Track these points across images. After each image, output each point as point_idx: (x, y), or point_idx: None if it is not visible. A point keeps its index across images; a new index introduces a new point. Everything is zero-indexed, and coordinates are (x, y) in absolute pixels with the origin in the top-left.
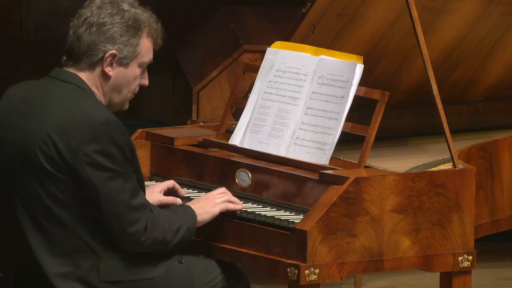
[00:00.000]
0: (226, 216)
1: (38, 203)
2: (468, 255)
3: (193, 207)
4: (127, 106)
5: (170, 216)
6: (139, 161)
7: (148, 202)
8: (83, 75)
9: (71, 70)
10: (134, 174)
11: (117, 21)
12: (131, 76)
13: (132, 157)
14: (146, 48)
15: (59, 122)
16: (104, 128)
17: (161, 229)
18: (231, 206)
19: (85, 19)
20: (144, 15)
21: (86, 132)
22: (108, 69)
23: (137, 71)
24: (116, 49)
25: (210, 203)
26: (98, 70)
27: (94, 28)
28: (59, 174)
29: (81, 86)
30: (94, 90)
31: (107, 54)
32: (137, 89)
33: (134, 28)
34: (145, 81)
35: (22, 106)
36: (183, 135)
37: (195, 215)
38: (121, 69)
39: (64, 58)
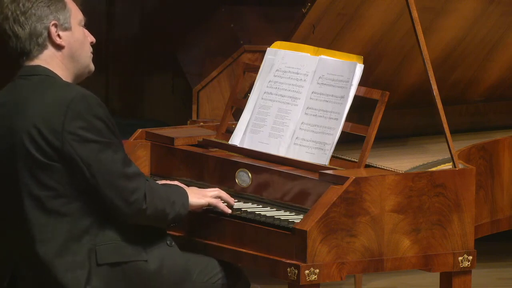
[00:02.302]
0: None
1: (32, 196)
2: (468, 255)
3: (185, 188)
4: (93, 67)
5: (164, 187)
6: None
7: (141, 171)
8: (43, 62)
9: (32, 63)
10: (121, 145)
11: (35, 0)
12: (80, 37)
13: (114, 129)
14: (73, 6)
15: (39, 113)
16: (82, 104)
17: (159, 197)
18: (221, 206)
19: (9, 18)
20: None
21: (66, 112)
22: (59, 41)
23: (81, 30)
24: (53, 19)
25: (202, 193)
26: (50, 48)
27: (22, 18)
28: (51, 163)
29: (48, 74)
30: (59, 71)
31: (50, 27)
32: (91, 48)
33: None
34: (92, 38)
35: (1, 110)
36: (183, 135)
37: (187, 194)
38: (68, 34)
39: (20, 61)
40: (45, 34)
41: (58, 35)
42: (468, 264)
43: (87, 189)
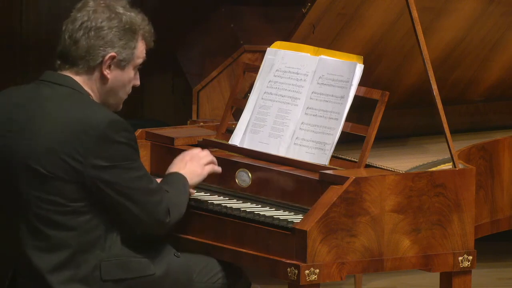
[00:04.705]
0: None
1: (38, 209)
2: (468, 255)
3: (182, 172)
4: (120, 107)
5: (175, 189)
6: None
7: (160, 184)
8: (79, 78)
9: (66, 73)
10: (141, 162)
11: (115, 25)
12: (126, 79)
13: (137, 149)
14: (141, 50)
15: (62, 131)
16: (108, 129)
17: (178, 206)
18: (217, 168)
19: (82, 23)
20: (138, 17)
21: (92, 136)
22: (106, 72)
23: (132, 73)
24: (115, 52)
25: (198, 166)
26: (96, 73)
27: (92, 33)
28: (65, 180)
29: (77, 88)
30: (89, 92)
31: (107, 57)
32: (130, 90)
33: (131, 32)
34: (137, 82)
35: (17, 113)
36: (183, 135)
37: (187, 181)
38: (118, 72)
39: (58, 62)
40: (99, 60)
41: (109, 67)
42: (468, 264)
43: (99, 204)
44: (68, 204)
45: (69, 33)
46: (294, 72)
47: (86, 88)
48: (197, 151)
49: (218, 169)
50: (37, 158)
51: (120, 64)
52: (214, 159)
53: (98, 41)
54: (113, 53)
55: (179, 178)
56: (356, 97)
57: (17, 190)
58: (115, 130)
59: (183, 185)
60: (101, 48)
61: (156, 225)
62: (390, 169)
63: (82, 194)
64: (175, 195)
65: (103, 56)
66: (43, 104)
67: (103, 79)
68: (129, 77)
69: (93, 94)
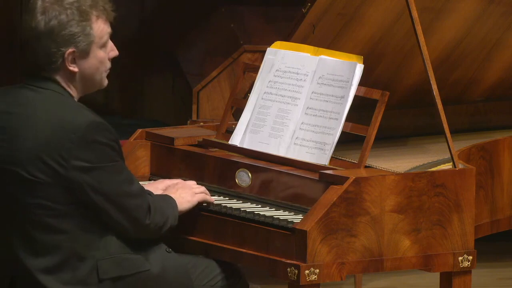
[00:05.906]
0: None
1: (28, 213)
2: (468, 255)
3: (173, 196)
4: (106, 83)
5: (159, 201)
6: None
7: (143, 187)
8: (54, 77)
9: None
10: (123, 162)
11: (64, 22)
12: (97, 62)
13: (120, 150)
14: (100, 30)
15: (44, 135)
16: (89, 132)
17: (159, 213)
18: (209, 198)
19: (33, 29)
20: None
21: (73, 140)
22: (72, 67)
23: (101, 53)
24: (72, 47)
25: (189, 192)
26: (63, 71)
27: (44, 38)
28: (51, 184)
29: (57, 90)
30: (68, 89)
31: (66, 55)
32: (109, 64)
33: (81, 20)
34: (114, 52)
35: (5, 120)
36: (183, 135)
37: (176, 204)
38: (85, 61)
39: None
40: (60, 60)
41: (74, 61)
42: (468, 264)
43: (87, 207)
44: (57, 207)
45: (25, 40)
46: (294, 72)
47: (65, 86)
48: (190, 181)
49: (210, 199)
50: (21, 163)
51: (83, 54)
52: (206, 190)
53: (52, 44)
54: (70, 50)
55: (168, 197)
56: (356, 97)
57: (7, 194)
58: (95, 131)
59: (169, 202)
60: (55, 50)
61: (135, 228)
62: (390, 170)
63: (69, 197)
64: (159, 202)
65: (62, 56)
66: (27, 110)
67: (71, 73)
68: (100, 58)
69: (72, 89)
